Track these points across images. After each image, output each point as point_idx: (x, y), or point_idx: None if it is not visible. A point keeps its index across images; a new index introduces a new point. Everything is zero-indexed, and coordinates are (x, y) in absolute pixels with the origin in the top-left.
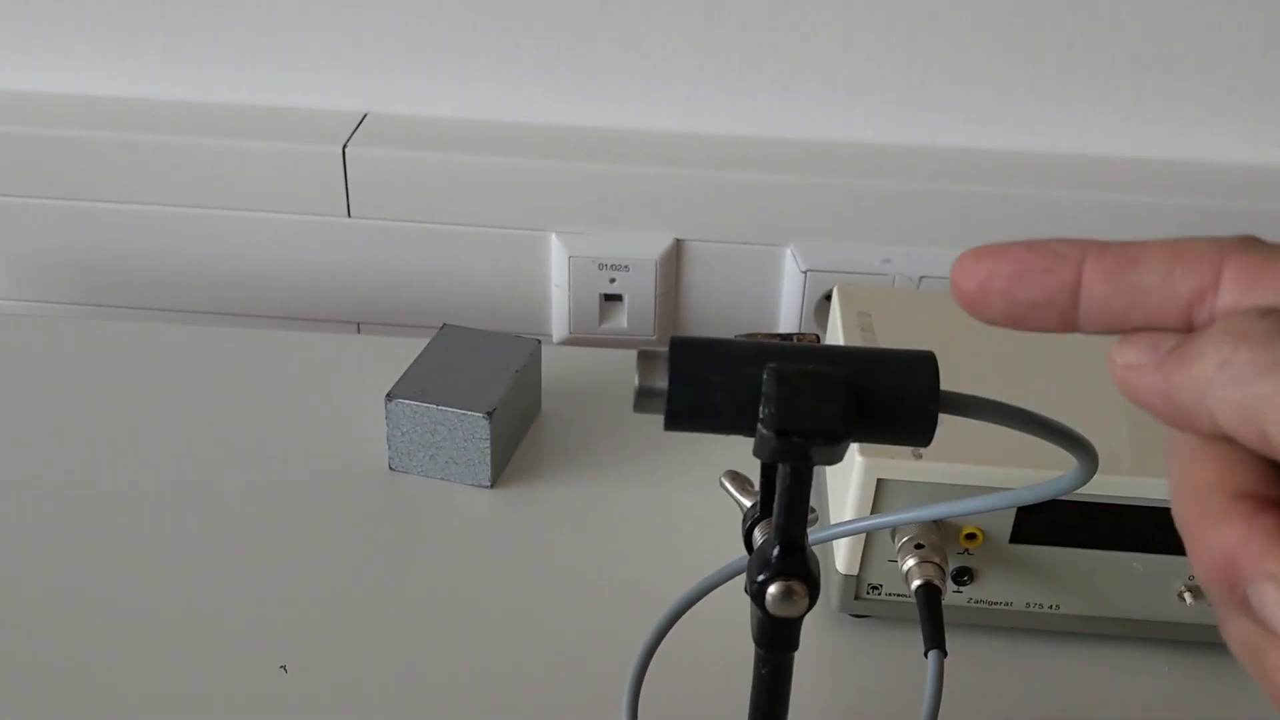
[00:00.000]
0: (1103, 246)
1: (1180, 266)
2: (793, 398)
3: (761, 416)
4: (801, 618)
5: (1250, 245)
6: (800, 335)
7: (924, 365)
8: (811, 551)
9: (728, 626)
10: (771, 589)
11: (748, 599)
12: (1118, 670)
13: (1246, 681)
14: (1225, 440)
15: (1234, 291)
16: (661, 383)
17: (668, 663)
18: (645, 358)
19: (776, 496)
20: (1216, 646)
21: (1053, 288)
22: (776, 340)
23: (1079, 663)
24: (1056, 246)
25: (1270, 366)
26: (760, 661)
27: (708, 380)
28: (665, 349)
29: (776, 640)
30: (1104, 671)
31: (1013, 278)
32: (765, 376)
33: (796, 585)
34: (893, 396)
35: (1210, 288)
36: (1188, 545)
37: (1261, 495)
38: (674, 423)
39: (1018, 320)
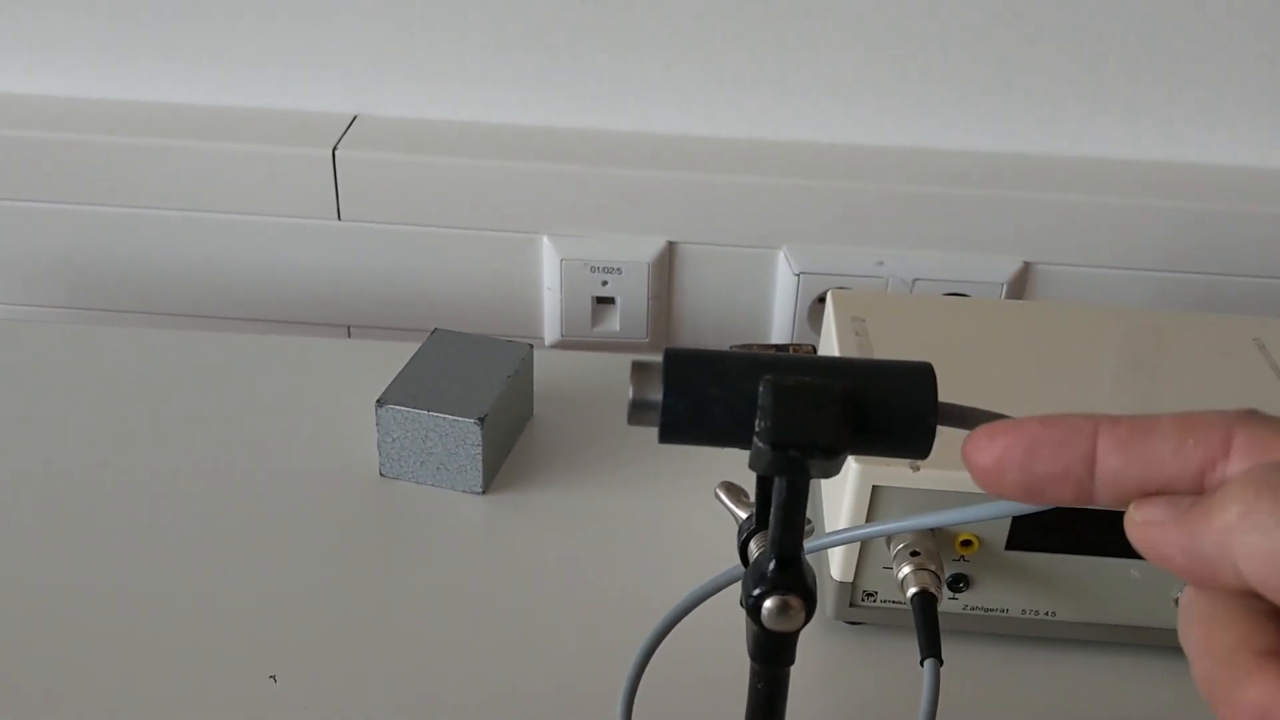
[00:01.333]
0: (1115, 420)
1: (1192, 438)
2: (789, 411)
3: (758, 430)
4: (798, 632)
5: (1255, 418)
6: (796, 346)
7: (922, 377)
8: (808, 565)
9: (723, 635)
10: (767, 603)
11: (742, 607)
12: (1114, 677)
13: None
14: (1243, 599)
15: (1244, 460)
16: (656, 395)
17: (662, 672)
18: (639, 370)
19: (772, 509)
20: None
21: (1068, 461)
22: (772, 352)
23: (1075, 670)
24: (1071, 420)
25: None
26: (755, 676)
27: (703, 393)
28: (659, 360)
29: (772, 655)
30: (1101, 678)
31: (1028, 452)
32: (761, 389)
33: (793, 599)
34: (891, 409)
35: (1220, 457)
36: (1216, 709)
37: None
38: (669, 435)
39: (1034, 493)
